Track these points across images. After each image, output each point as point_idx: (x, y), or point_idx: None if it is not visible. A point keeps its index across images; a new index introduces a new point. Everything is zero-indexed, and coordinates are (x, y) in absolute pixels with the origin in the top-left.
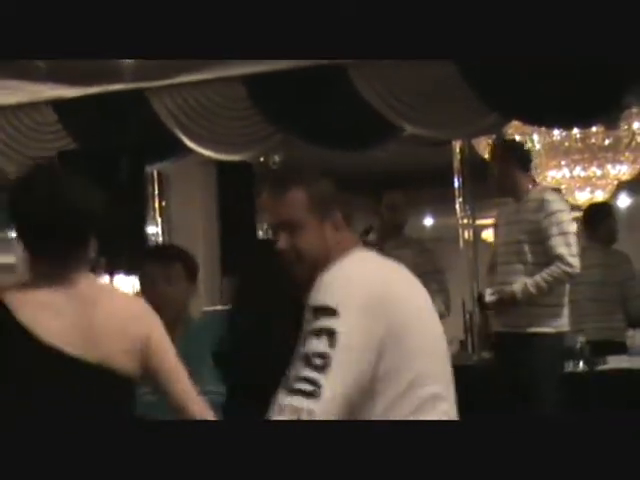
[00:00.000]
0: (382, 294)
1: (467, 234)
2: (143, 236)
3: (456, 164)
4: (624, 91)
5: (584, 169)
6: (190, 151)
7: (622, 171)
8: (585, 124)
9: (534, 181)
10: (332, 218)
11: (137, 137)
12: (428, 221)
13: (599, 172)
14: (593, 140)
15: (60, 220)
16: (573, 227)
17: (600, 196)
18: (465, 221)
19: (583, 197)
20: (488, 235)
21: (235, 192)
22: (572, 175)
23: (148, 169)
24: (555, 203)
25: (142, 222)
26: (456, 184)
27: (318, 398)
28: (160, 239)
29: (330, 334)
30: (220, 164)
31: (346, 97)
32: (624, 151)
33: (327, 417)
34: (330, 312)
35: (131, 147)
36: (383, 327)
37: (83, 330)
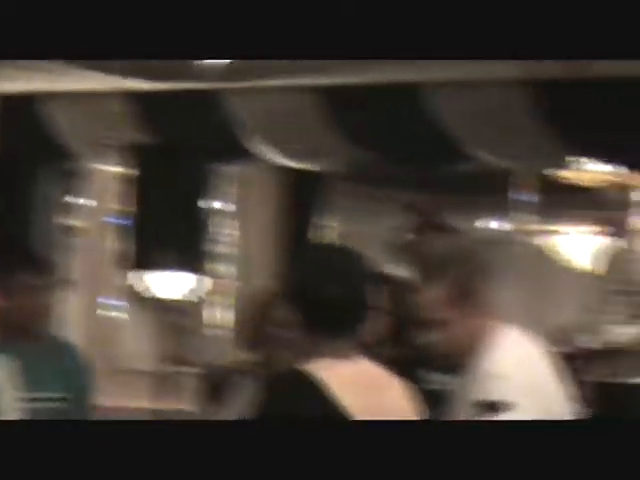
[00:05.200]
0: (542, 383)
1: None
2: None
3: None
4: None
5: None
6: (261, 156)
7: None
8: None
9: None
10: (470, 306)
11: (208, 137)
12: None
13: None
14: None
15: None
16: None
17: None
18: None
19: None
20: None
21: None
22: None
23: (219, 170)
24: None
25: (208, 222)
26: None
27: None
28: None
29: None
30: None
31: (418, 117)
32: None
33: None
34: (505, 407)
35: (200, 147)
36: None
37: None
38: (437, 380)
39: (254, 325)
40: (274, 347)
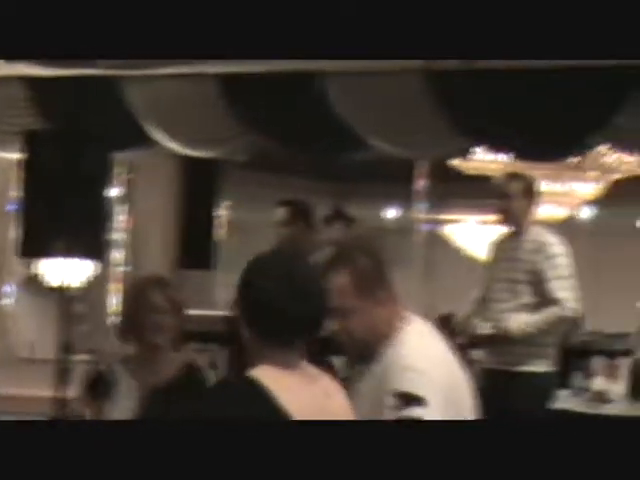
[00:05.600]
0: (449, 373)
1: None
2: (103, 223)
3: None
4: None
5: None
6: (158, 143)
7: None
8: (552, 160)
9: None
10: (376, 296)
11: (105, 124)
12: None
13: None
14: None
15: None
16: (572, 271)
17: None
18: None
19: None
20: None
21: (199, 186)
22: None
23: (114, 157)
24: (555, 246)
25: (103, 209)
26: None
27: None
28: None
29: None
30: (187, 158)
31: (317, 105)
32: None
33: None
34: (419, 401)
35: (97, 134)
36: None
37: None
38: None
39: (131, 312)
40: (151, 334)
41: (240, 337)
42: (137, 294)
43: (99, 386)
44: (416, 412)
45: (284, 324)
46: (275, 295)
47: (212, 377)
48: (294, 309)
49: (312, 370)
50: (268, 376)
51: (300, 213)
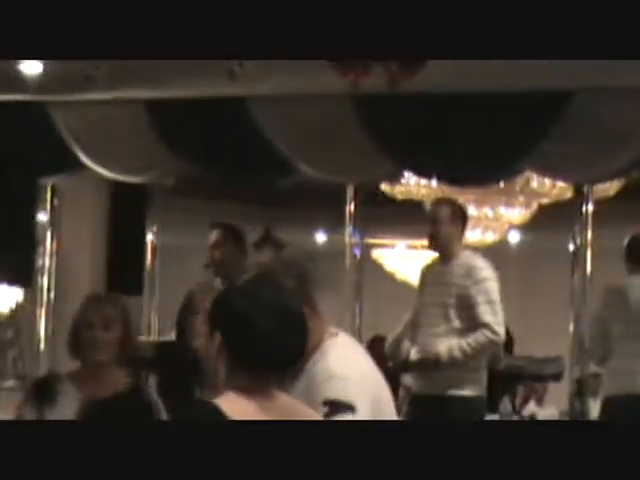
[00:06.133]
0: (375, 383)
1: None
2: (30, 249)
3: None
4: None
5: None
6: (85, 168)
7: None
8: (480, 185)
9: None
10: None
11: (31, 149)
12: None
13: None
14: None
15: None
16: (499, 295)
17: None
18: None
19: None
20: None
21: (127, 212)
22: None
23: (41, 182)
24: (484, 271)
25: (30, 234)
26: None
27: None
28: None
29: None
30: (114, 184)
31: (246, 130)
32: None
33: None
34: (348, 407)
35: (24, 159)
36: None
37: None
38: None
39: (72, 329)
40: (89, 351)
41: (184, 363)
42: (78, 311)
43: (43, 392)
44: (346, 418)
45: (266, 353)
46: (261, 323)
47: (156, 398)
48: (278, 338)
49: (285, 400)
50: (230, 404)
51: (231, 236)
